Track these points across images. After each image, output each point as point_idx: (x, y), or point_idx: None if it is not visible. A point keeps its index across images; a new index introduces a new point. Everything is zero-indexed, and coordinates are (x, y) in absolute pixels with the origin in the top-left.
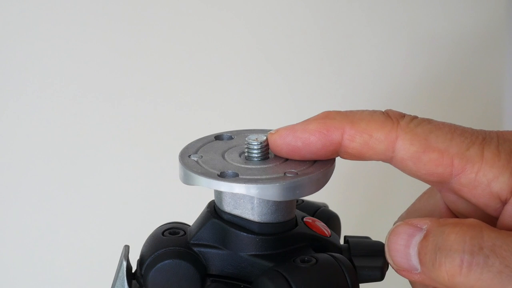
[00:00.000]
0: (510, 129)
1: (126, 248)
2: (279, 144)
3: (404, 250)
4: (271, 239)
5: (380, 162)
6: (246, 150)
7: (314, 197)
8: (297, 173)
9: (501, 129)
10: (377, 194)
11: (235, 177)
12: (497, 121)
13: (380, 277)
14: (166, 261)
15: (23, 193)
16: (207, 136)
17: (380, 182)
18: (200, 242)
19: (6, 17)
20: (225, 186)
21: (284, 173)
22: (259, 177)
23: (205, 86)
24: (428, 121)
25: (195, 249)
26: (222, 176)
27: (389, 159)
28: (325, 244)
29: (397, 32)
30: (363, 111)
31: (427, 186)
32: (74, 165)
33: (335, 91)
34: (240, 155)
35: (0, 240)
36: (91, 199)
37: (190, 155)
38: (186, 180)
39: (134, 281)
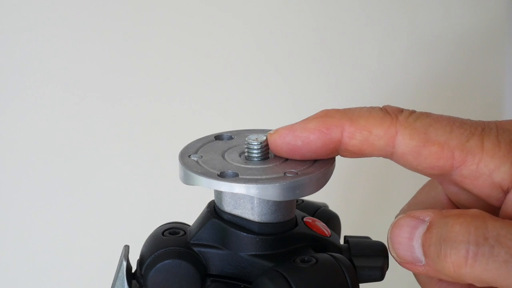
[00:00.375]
0: None
1: (126, 248)
2: (279, 144)
3: (407, 243)
4: (271, 239)
5: (380, 163)
6: (246, 150)
7: (314, 197)
8: (297, 173)
9: None
10: (377, 194)
11: (235, 177)
12: None
13: (380, 277)
14: (166, 261)
15: (24, 193)
16: (207, 136)
17: (380, 182)
18: (200, 242)
19: (6, 17)
20: (225, 186)
21: (284, 173)
22: (259, 177)
23: (205, 86)
24: (427, 115)
25: (195, 249)
26: (222, 176)
27: (389, 155)
28: (325, 244)
29: (397, 32)
30: (361, 108)
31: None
32: (74, 165)
33: (335, 91)
34: (240, 155)
35: (0, 240)
36: (91, 199)
37: (190, 155)
38: (186, 180)
39: (134, 281)
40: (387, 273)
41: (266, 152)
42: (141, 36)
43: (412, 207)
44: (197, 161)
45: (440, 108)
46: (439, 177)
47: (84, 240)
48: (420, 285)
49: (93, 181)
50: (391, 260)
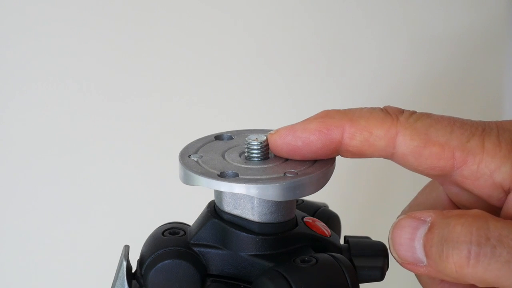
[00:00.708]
0: None
1: (126, 248)
2: (279, 144)
3: (409, 243)
4: (271, 239)
5: (380, 163)
6: (246, 150)
7: (314, 197)
8: (297, 173)
9: None
10: (377, 194)
11: (235, 177)
12: None
13: (380, 277)
14: (166, 261)
15: (23, 193)
16: (207, 136)
17: (380, 182)
18: (200, 242)
19: (7, 15)
20: (225, 186)
21: (284, 173)
22: (259, 177)
23: (205, 86)
24: (427, 115)
25: (195, 249)
26: (222, 176)
27: (390, 156)
28: (325, 244)
29: (397, 32)
30: (362, 108)
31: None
32: (74, 165)
33: (335, 91)
34: (240, 155)
35: (0, 240)
36: (91, 199)
37: (190, 155)
38: (186, 180)
39: (134, 281)
40: (387, 273)
41: (266, 152)
42: (142, 36)
43: (413, 208)
44: (197, 161)
45: (440, 108)
46: (440, 177)
47: (84, 240)
48: (422, 286)
49: (93, 181)
50: (391, 260)
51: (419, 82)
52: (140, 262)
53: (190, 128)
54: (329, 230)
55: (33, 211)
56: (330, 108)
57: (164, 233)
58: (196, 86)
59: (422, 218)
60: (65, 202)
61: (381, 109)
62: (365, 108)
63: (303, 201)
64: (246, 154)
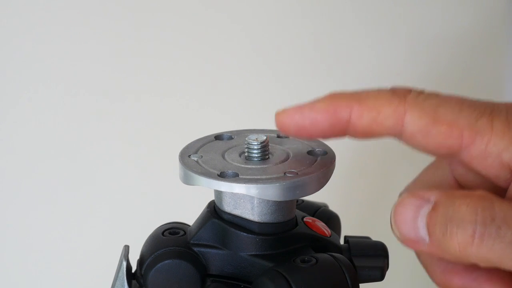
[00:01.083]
0: None
1: (126, 248)
2: (287, 123)
3: (411, 221)
4: (271, 239)
5: (380, 162)
6: (246, 150)
7: (314, 197)
8: (297, 173)
9: None
10: (377, 194)
11: (235, 177)
12: None
13: (380, 277)
14: (166, 261)
15: (23, 193)
16: (207, 136)
17: (380, 182)
18: (200, 242)
19: (4, 17)
20: (225, 186)
21: (284, 173)
22: (259, 177)
23: (205, 86)
24: (436, 95)
25: (195, 249)
26: (222, 176)
27: (398, 135)
28: (325, 244)
29: (397, 32)
30: (369, 89)
31: None
32: (74, 165)
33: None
34: (240, 155)
35: (0, 240)
36: (91, 199)
37: (190, 155)
38: (186, 180)
39: (134, 281)
40: (387, 273)
41: (266, 152)
42: (142, 37)
43: (417, 186)
44: (197, 161)
45: None
46: (447, 157)
47: (84, 240)
48: (421, 263)
49: (93, 181)
50: (391, 260)
51: (418, 83)
52: (140, 262)
53: (190, 128)
54: (329, 230)
55: (32, 211)
56: None
57: (164, 233)
58: (196, 86)
59: (425, 197)
60: (65, 202)
61: (389, 89)
62: (371, 89)
63: (303, 201)
64: (246, 154)
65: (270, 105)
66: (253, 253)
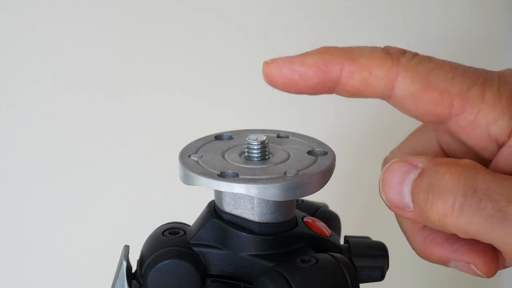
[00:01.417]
0: None
1: (126, 248)
2: (275, 75)
3: (397, 187)
4: (271, 239)
5: (380, 162)
6: (246, 150)
7: (314, 197)
8: (297, 173)
9: None
10: (377, 194)
11: (235, 177)
12: None
13: (380, 277)
14: (166, 261)
15: (23, 193)
16: (207, 136)
17: None
18: (200, 242)
19: (8, 14)
20: (225, 186)
21: (284, 173)
22: (259, 177)
23: (205, 86)
24: (430, 59)
25: (195, 249)
26: (222, 176)
27: (387, 97)
28: (325, 244)
29: (397, 32)
30: (363, 47)
31: None
32: (74, 164)
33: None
34: (240, 155)
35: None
36: (91, 199)
37: (190, 155)
38: (186, 180)
39: (134, 281)
40: (387, 273)
41: (266, 152)
42: (142, 36)
43: (402, 151)
44: (197, 161)
45: None
46: (435, 124)
47: (84, 240)
48: (403, 231)
49: (93, 181)
50: (391, 260)
51: None
52: (140, 262)
53: (190, 128)
54: (329, 230)
55: (32, 211)
56: (330, 107)
57: (164, 233)
58: (196, 86)
59: (414, 163)
60: (65, 202)
61: (382, 48)
62: (366, 46)
63: (303, 201)
64: (246, 154)
65: (271, 105)
66: (253, 253)
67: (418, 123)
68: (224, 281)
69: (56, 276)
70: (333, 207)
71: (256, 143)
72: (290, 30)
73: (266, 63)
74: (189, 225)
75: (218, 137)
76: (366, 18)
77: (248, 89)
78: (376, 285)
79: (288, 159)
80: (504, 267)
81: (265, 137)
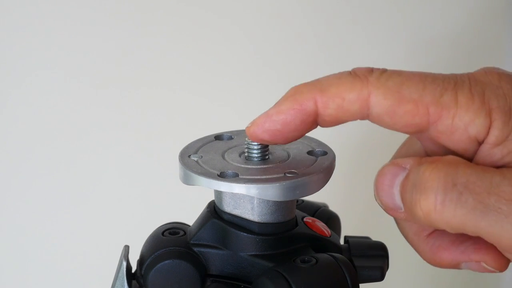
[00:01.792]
0: None
1: (126, 248)
2: (260, 134)
3: (388, 190)
4: (271, 239)
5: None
6: (246, 150)
7: (314, 197)
8: (297, 173)
9: None
10: None
11: (235, 177)
12: None
13: (380, 277)
14: (166, 261)
15: (23, 193)
16: (207, 136)
17: None
18: (200, 242)
19: (5, 11)
20: (225, 186)
21: (284, 173)
22: (259, 177)
23: (205, 86)
24: (398, 73)
25: (195, 249)
26: (222, 176)
27: (366, 117)
28: (325, 244)
29: (396, 33)
30: (329, 76)
31: None
32: (73, 165)
33: None
34: (240, 155)
35: None
36: (91, 199)
37: (190, 155)
38: (186, 180)
39: (134, 281)
40: (387, 273)
41: (266, 152)
42: (143, 35)
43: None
44: (197, 161)
45: None
46: (417, 134)
47: (84, 240)
48: (409, 242)
49: (93, 181)
50: (391, 260)
51: None
52: (140, 262)
53: (190, 128)
54: (329, 230)
55: (32, 211)
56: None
57: (164, 233)
58: (196, 86)
59: (402, 165)
60: (65, 202)
61: (349, 72)
62: (332, 74)
63: (303, 201)
64: (246, 154)
65: (271, 106)
66: (253, 253)
67: None
68: (224, 281)
69: (56, 276)
70: (333, 207)
71: (256, 143)
72: (290, 31)
73: (247, 128)
74: (189, 225)
75: (218, 137)
76: (366, 18)
77: (248, 89)
78: (376, 285)
79: (288, 159)
80: None
81: None
